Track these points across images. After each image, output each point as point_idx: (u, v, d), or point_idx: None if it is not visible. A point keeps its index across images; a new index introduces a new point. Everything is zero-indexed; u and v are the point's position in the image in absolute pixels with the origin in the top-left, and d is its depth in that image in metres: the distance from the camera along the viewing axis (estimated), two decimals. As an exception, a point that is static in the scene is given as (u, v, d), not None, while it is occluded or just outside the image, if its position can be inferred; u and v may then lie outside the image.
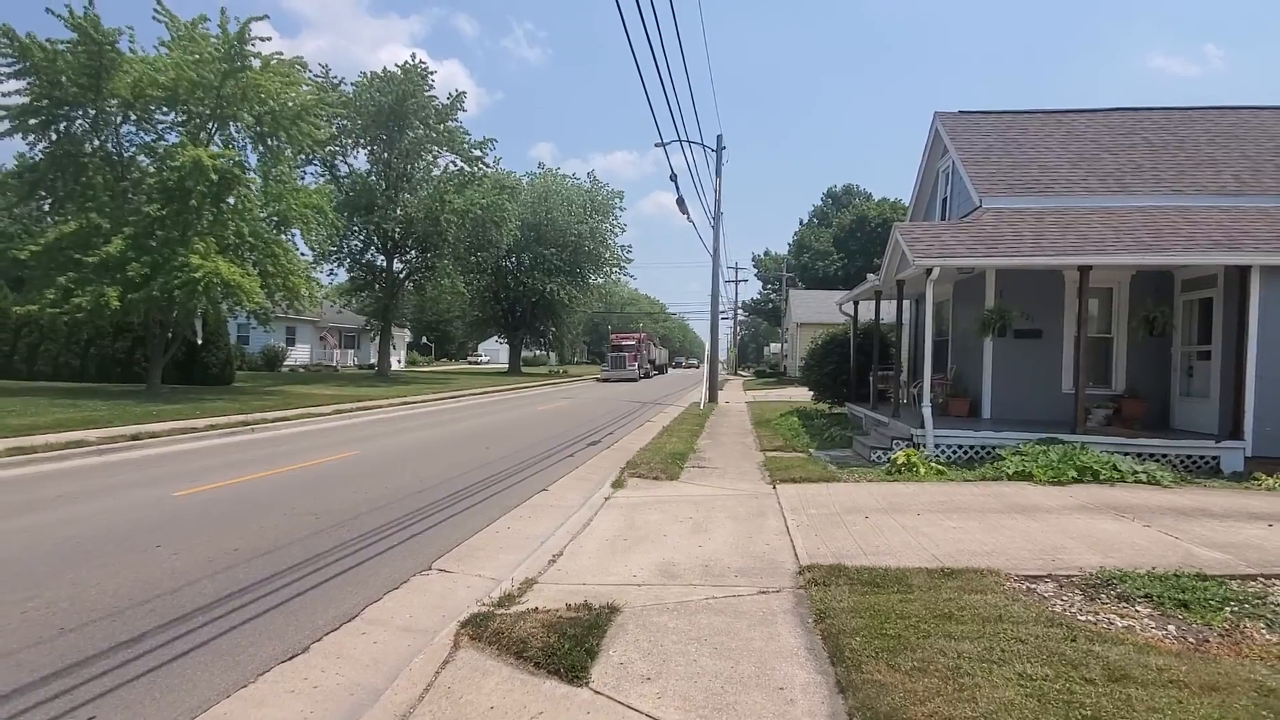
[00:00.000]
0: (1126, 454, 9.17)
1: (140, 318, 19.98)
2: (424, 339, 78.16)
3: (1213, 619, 4.11)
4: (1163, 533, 6.18)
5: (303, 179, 25.58)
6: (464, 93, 34.49)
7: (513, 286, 45.97)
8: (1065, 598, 4.52)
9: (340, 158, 34.02)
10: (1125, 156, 13.01)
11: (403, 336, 60.15)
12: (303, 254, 24.66)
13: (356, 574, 5.23)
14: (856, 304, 16.69)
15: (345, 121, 32.06)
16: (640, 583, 4.87)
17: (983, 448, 9.95)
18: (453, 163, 35.48)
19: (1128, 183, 12.24)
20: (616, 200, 48.04)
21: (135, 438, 11.75)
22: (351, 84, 32.66)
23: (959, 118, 14.56)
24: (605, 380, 42.87)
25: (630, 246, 52.12)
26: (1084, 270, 9.80)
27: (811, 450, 11.88)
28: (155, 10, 19.55)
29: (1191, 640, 3.84)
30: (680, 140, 18.58)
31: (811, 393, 19.92)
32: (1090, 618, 4.14)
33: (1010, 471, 8.69)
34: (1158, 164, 12.72)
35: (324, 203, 23.55)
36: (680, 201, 23.22)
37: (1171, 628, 4.02)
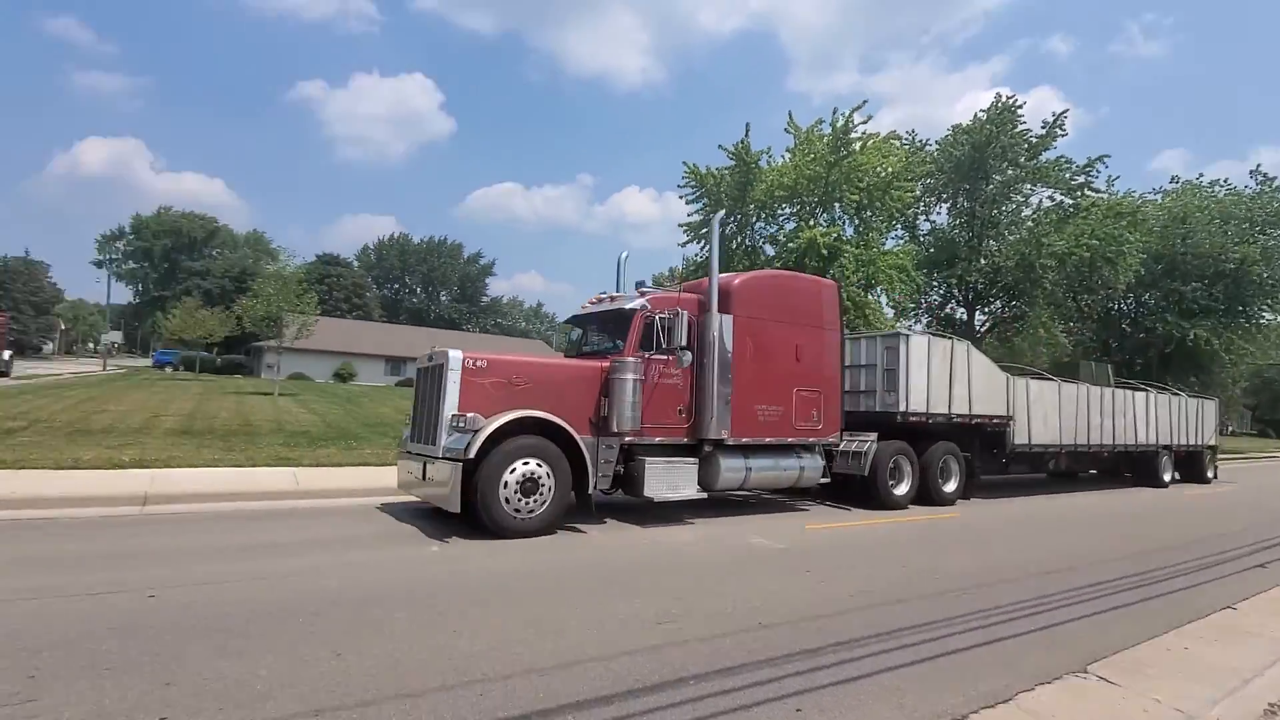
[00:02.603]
0: None
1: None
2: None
3: None
4: None
5: (886, 242, 27.24)
6: (1065, 111, 30.57)
7: (1130, 333, 37.62)
8: None
9: (922, 216, 34.76)
10: None
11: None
12: (885, 312, 26.17)
13: (994, 650, 4.87)
14: None
15: (929, 179, 32.64)
16: None
17: None
18: (1049, 198, 31.79)
19: None
20: (1296, 198, 34.16)
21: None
22: (936, 142, 33.19)
23: None
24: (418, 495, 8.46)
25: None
26: None
27: None
28: (786, 126, 24.37)
29: None
30: None
31: None
32: None
33: None
34: None
35: (907, 262, 24.51)
36: None
37: None
